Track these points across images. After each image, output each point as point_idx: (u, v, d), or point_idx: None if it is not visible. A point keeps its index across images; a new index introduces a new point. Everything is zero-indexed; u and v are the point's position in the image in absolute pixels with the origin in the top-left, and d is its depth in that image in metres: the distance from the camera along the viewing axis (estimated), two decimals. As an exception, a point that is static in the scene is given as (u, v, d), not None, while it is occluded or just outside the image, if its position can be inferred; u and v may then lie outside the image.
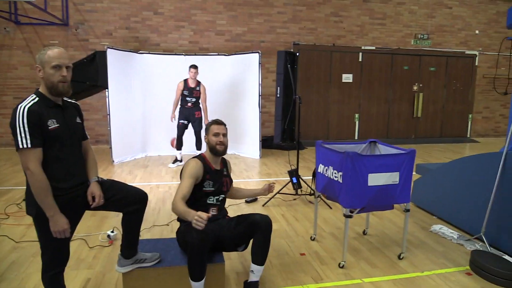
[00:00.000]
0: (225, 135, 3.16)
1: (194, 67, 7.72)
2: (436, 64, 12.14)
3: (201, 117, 7.88)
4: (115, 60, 8.07)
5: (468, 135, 12.73)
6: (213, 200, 3.13)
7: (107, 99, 8.04)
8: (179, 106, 7.92)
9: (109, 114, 8.09)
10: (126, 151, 8.56)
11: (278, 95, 7.16)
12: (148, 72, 8.96)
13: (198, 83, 7.79)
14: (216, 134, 3.11)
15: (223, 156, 3.27)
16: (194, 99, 7.78)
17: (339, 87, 11.39)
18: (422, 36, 11.82)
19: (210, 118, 7.53)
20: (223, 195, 3.23)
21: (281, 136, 7.10)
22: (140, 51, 9.07)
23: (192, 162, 3.07)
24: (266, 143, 9.92)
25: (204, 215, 2.54)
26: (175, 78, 8.27)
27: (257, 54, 8.70)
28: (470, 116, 12.65)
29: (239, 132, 9.10)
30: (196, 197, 3.04)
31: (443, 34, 12.01)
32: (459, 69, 12.36)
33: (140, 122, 8.93)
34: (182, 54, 9.15)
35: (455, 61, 12.28)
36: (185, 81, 7.83)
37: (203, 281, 2.75)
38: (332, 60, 11.25)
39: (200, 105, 7.91)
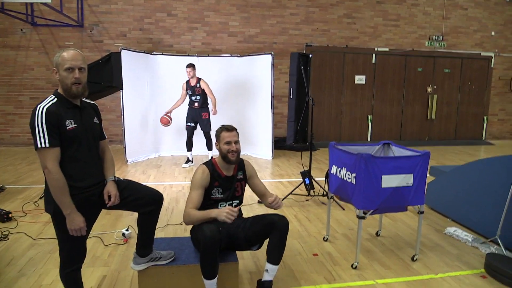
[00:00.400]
0: (237, 142, 3.06)
1: (189, 65, 7.82)
2: (451, 66, 12.05)
3: (208, 118, 7.95)
4: (129, 61, 8.17)
5: (484, 138, 12.60)
6: (225, 205, 3.09)
7: (121, 99, 8.17)
8: (187, 107, 8.02)
9: (123, 115, 8.20)
10: (139, 151, 8.67)
11: (291, 97, 7.18)
12: (161, 73, 9.06)
13: (198, 80, 7.87)
14: (228, 143, 3.02)
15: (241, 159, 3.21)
16: (198, 97, 7.85)
17: (352, 89, 11.37)
18: (436, 38, 11.75)
19: (223, 120, 7.62)
20: (237, 201, 3.19)
21: (293, 137, 7.11)
22: (154, 52, 9.18)
23: (198, 171, 3.04)
24: (278, 144, 9.95)
25: (235, 208, 2.77)
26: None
27: (269, 55, 8.75)
28: (485, 118, 12.53)
29: (251, 133, 9.14)
30: (206, 204, 3.03)
31: (458, 36, 11.92)
32: (474, 70, 12.25)
33: (153, 122, 9.03)
34: (195, 55, 9.24)
35: (470, 63, 12.18)
36: (187, 81, 7.95)
37: (215, 279, 2.79)
38: (345, 62, 11.24)
39: (209, 106, 7.96)
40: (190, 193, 2.99)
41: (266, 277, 2.99)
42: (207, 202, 3.03)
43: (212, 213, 2.79)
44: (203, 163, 3.11)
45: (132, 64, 8.32)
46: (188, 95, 7.95)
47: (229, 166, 3.09)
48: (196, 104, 7.87)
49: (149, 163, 8.38)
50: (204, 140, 8.14)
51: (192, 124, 7.96)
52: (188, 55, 9.30)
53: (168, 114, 8.05)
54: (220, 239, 2.73)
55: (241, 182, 3.18)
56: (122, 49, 8.09)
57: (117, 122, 9.95)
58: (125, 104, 8.19)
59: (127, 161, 8.30)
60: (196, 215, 2.87)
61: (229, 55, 9.50)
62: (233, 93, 9.24)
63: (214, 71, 9.06)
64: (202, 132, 8.05)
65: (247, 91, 9.21)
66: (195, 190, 2.98)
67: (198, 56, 9.19)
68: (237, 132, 3.12)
